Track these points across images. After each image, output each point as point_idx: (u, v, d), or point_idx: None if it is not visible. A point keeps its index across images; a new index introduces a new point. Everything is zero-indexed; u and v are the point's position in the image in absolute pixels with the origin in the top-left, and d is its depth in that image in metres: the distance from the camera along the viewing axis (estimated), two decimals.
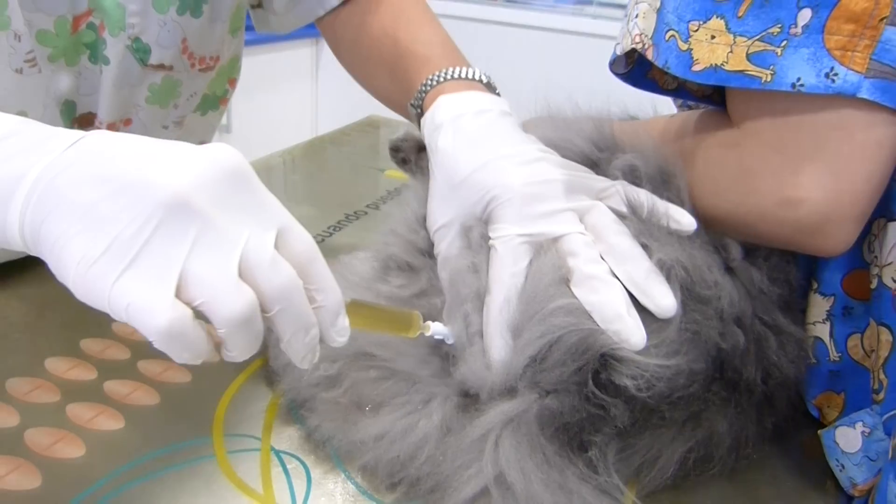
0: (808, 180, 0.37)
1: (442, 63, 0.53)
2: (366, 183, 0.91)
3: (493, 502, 0.36)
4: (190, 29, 0.62)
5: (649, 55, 0.42)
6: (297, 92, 2.62)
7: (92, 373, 0.48)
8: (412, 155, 0.72)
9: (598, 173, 0.45)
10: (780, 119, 0.38)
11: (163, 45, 0.61)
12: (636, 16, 0.43)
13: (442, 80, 0.51)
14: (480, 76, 0.52)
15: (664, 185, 0.43)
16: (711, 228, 0.42)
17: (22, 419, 0.43)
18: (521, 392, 0.37)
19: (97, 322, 0.53)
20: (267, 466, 0.41)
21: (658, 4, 0.41)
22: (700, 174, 0.43)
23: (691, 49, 0.39)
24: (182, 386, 0.48)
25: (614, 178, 0.44)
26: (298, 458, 0.42)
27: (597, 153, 0.46)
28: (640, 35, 0.42)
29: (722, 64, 0.38)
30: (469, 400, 0.39)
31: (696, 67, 0.39)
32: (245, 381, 0.48)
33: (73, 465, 0.41)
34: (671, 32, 0.40)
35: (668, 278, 0.38)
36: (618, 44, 0.45)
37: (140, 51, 0.60)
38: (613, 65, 0.47)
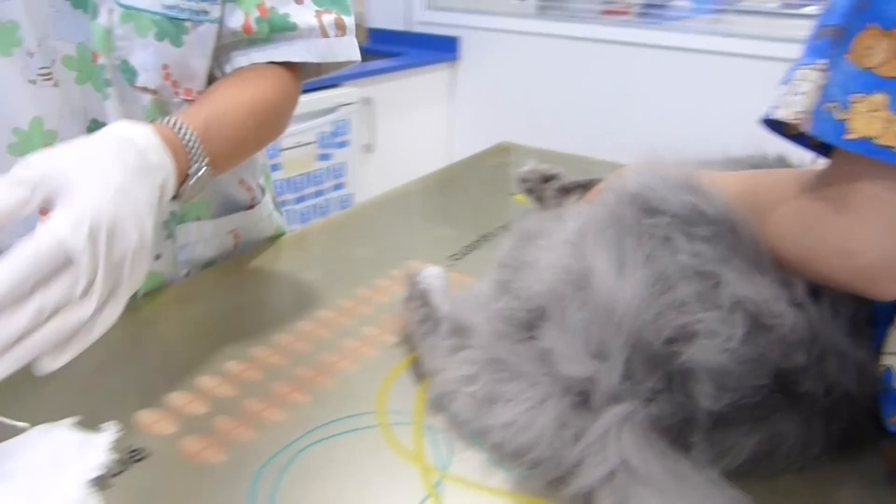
0: (867, 237, 0.43)
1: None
2: (497, 206, 1.02)
3: (617, 483, 0.45)
4: (171, 57, 0.68)
5: (806, 128, 0.46)
6: (434, 113, 2.77)
7: (287, 359, 0.63)
8: (537, 185, 0.83)
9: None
10: (865, 181, 0.43)
11: (146, 68, 0.67)
12: (799, 93, 0.47)
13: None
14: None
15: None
16: (785, 269, 0.48)
17: (239, 392, 0.58)
18: (625, 398, 0.47)
19: (287, 319, 0.68)
20: (419, 435, 0.53)
21: (824, 82, 0.45)
22: (779, 219, 0.48)
23: (847, 119, 0.43)
24: (353, 372, 0.61)
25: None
26: (443, 432, 0.54)
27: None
28: (803, 113, 0.46)
29: (875, 137, 0.41)
30: (580, 398, 0.49)
31: (849, 136, 0.42)
32: (403, 371, 0.61)
33: (275, 427, 0.55)
34: (832, 104, 0.44)
35: (738, 310, 0.45)
36: (777, 107, 0.49)
37: (127, 72, 0.67)
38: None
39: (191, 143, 0.59)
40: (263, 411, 0.56)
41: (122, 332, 0.66)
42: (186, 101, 0.72)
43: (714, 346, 0.45)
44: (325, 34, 0.74)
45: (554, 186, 0.83)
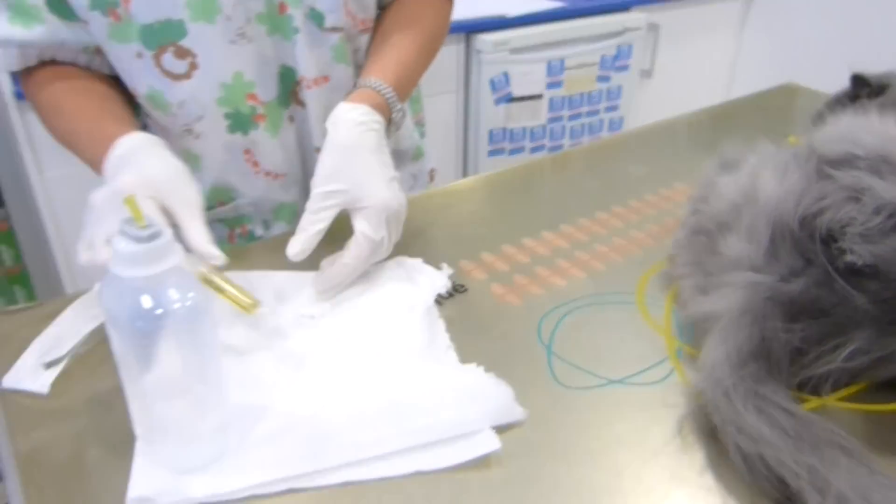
0: None
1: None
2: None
3: (716, 326, 0.56)
4: None
5: None
6: (719, 45, 2.70)
7: (568, 244, 0.80)
8: (863, 90, 0.86)
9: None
10: None
11: (331, 9, 0.76)
12: None
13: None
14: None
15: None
16: None
17: (531, 260, 0.77)
18: (764, 272, 0.56)
19: (572, 214, 0.85)
20: (668, 315, 0.68)
21: None
22: None
23: None
24: (619, 263, 0.77)
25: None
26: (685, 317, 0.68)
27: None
28: None
29: None
30: None
31: None
32: (660, 269, 0.76)
33: (557, 289, 0.72)
34: None
35: (884, 208, 0.51)
36: None
37: (316, 17, 0.76)
38: None
39: (391, 99, 0.75)
40: (548, 277, 0.74)
41: (456, 208, 0.88)
42: (362, 31, 0.82)
43: (852, 227, 0.52)
44: None
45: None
